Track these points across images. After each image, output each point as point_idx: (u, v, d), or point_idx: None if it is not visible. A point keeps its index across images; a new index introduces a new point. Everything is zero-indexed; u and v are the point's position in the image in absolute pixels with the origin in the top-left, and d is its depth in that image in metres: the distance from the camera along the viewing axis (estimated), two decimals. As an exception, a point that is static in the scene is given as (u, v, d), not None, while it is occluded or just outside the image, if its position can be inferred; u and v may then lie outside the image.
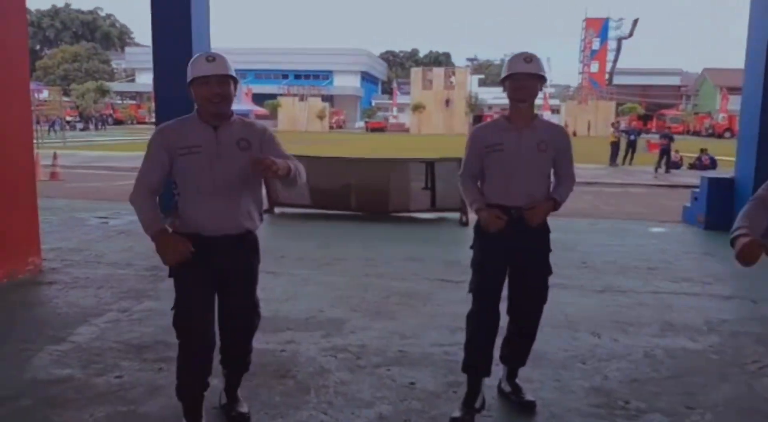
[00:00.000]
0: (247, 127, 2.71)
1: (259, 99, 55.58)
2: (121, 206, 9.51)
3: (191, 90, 2.61)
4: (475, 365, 3.02)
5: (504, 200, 2.92)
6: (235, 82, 2.64)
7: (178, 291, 2.70)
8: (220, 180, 2.59)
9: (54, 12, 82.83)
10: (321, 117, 57.01)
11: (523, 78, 2.86)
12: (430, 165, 8.57)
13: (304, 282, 5.34)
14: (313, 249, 6.65)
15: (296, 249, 6.55)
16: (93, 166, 17.81)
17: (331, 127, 57.88)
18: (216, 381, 3.01)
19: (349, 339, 4.00)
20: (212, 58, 2.57)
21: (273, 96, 58.80)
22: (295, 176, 2.64)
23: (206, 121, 2.62)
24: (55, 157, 14.25)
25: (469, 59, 70.38)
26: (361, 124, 63.86)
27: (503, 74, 2.95)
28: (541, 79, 2.91)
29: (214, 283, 2.69)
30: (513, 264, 2.97)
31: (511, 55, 2.99)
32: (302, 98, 58.60)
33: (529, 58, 2.87)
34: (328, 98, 63.59)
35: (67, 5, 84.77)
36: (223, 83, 2.56)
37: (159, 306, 4.63)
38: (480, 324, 3.00)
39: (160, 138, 2.65)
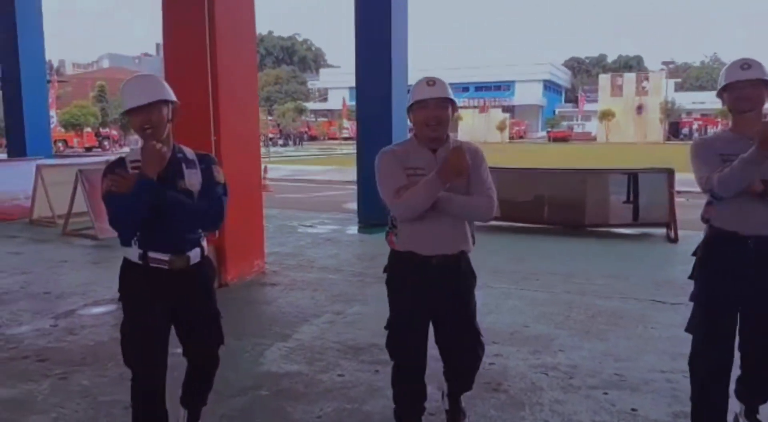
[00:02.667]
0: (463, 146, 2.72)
1: (440, 112, 56.51)
2: (324, 216, 10.29)
3: (410, 114, 2.64)
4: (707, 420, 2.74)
5: (740, 227, 2.57)
6: (454, 105, 2.63)
7: (392, 311, 2.76)
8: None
9: (259, 39, 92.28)
10: (501, 128, 56.50)
11: (742, 86, 2.56)
12: (633, 176, 8.06)
13: (504, 295, 5.30)
14: (508, 263, 6.58)
15: (490, 262, 6.51)
16: (294, 179, 19.43)
17: (511, 138, 57.07)
18: (430, 389, 3.10)
19: (558, 358, 3.89)
20: (432, 82, 2.59)
21: (454, 109, 59.54)
22: (449, 206, 2.55)
23: (424, 145, 2.63)
24: (265, 170, 15.81)
25: (664, 63, 64.78)
26: (542, 134, 62.13)
27: (720, 85, 2.66)
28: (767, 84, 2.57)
29: (429, 306, 2.68)
30: (748, 305, 2.62)
31: (728, 64, 2.69)
32: (483, 110, 58.61)
33: (746, 65, 2.57)
34: (509, 109, 62.83)
35: (270, 32, 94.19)
36: (441, 107, 2.56)
37: (368, 310, 4.90)
38: (708, 374, 2.69)
39: (393, 156, 2.65)
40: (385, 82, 8.76)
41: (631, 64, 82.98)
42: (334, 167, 23.45)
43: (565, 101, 78.83)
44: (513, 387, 3.45)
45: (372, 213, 8.89)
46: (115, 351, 4.07)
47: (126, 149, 31.70)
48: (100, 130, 43.53)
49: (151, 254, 2.45)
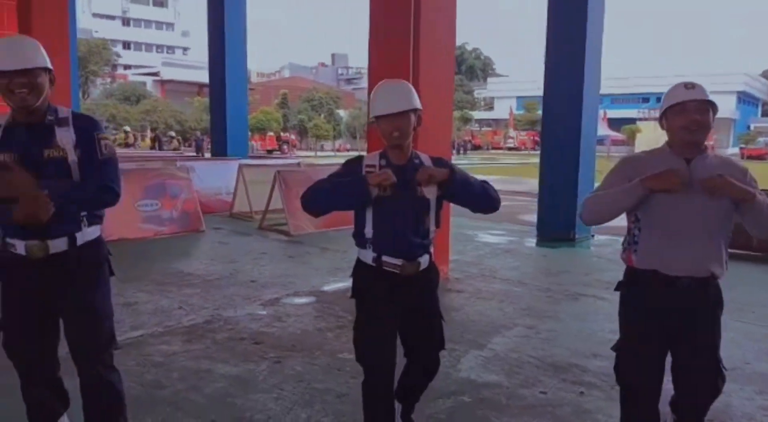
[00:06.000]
0: (726, 164, 2.49)
1: (616, 124, 53.63)
2: (499, 226, 10.15)
3: (663, 121, 2.49)
4: None
5: None
6: (714, 109, 2.43)
7: (624, 332, 2.58)
8: (692, 217, 2.40)
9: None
10: (684, 143, 52.00)
11: None
12: None
13: (716, 326, 4.82)
14: (714, 290, 5.98)
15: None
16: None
17: (695, 154, 52.21)
18: None
19: (792, 402, 3.45)
20: (692, 85, 2.42)
21: (632, 120, 56.09)
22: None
23: (678, 154, 2.45)
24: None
25: None
26: (733, 150, 56.09)
27: None
28: None
29: (670, 331, 2.49)
30: None
31: None
32: (664, 122, 54.54)
33: None
34: (694, 122, 57.68)
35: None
36: (702, 110, 2.39)
37: (563, 328, 4.73)
38: None
39: (623, 168, 2.56)
40: (575, 94, 8.46)
41: None
42: (501, 177, 23.14)
43: (762, 115, 70.63)
44: (741, 429, 3.12)
45: (554, 227, 8.63)
46: (320, 340, 4.37)
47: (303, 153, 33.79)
48: (281, 134, 47.18)
49: (385, 258, 2.56)
